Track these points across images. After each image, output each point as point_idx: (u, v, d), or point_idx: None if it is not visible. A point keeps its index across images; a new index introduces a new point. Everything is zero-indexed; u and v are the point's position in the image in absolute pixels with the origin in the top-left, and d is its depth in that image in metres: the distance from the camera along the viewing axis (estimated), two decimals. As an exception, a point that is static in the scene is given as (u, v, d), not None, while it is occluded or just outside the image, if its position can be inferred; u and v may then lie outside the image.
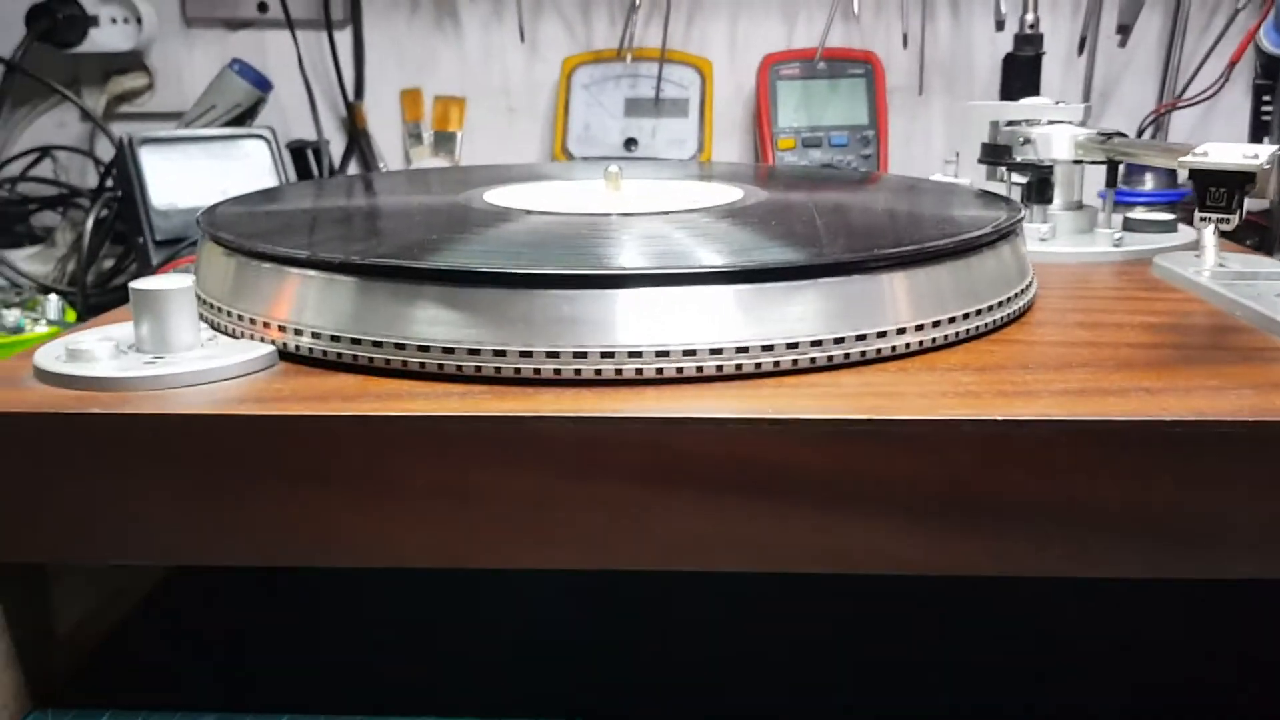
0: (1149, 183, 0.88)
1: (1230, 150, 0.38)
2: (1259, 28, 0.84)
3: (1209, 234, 0.53)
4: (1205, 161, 0.37)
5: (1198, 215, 0.38)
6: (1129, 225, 0.62)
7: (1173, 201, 0.87)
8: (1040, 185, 0.60)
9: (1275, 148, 0.39)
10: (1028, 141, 0.60)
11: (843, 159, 0.97)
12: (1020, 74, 0.86)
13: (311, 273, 0.40)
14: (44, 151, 1.07)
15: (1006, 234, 0.46)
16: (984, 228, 0.44)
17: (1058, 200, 0.62)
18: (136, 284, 0.39)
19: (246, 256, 0.42)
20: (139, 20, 1.03)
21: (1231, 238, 0.63)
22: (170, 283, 0.39)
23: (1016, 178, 0.61)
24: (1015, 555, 0.34)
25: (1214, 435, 0.33)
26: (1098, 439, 0.33)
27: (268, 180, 0.90)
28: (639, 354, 0.37)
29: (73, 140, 1.09)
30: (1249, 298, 0.46)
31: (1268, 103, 0.87)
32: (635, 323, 0.37)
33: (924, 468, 0.34)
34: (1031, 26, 0.86)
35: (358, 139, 1.09)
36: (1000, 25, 0.87)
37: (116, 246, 0.95)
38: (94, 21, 1.02)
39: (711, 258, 0.40)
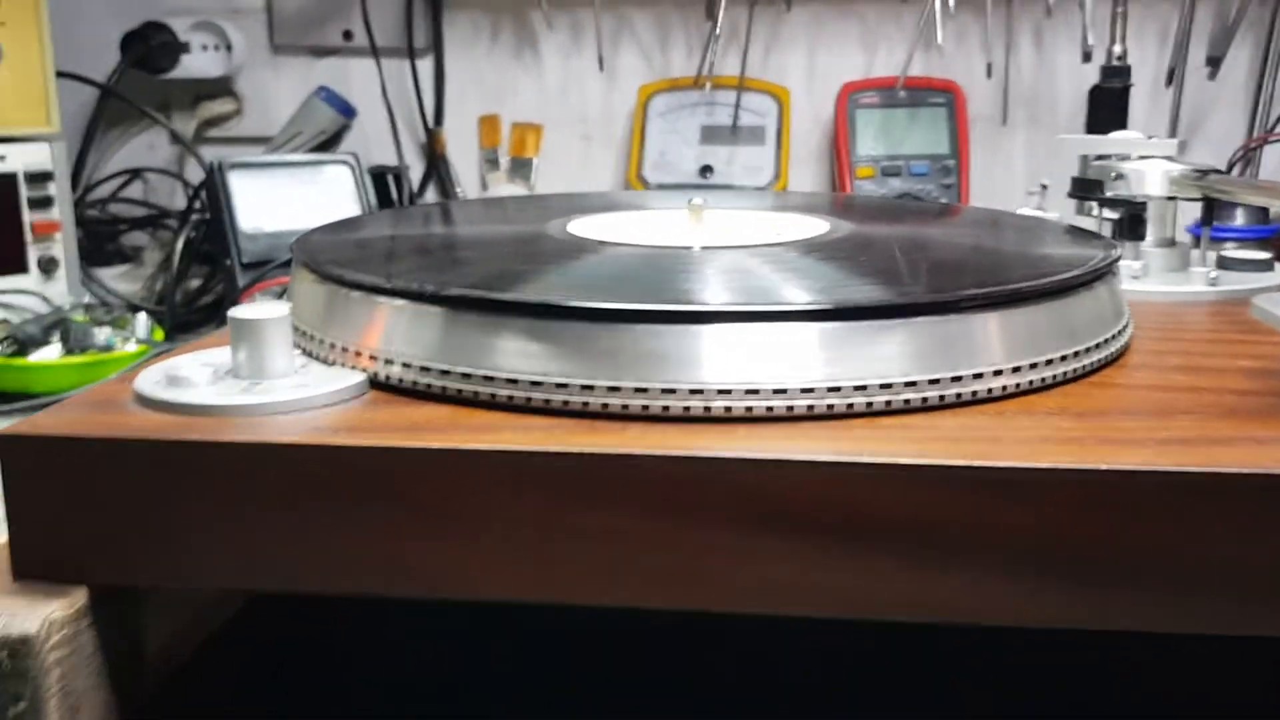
0: (1239, 218, 0.86)
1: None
2: (1357, 61, 0.82)
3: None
4: None
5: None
6: (1223, 263, 0.61)
7: (1264, 238, 0.85)
8: (1133, 222, 0.59)
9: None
10: (1120, 176, 0.59)
11: (923, 188, 0.96)
12: (1107, 106, 0.84)
13: (401, 302, 0.40)
14: (134, 173, 1.09)
15: (1103, 274, 0.45)
16: (1081, 266, 0.43)
17: (1150, 237, 0.60)
18: (235, 312, 0.40)
19: (338, 285, 0.42)
20: (229, 47, 1.05)
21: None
22: (267, 311, 0.40)
23: (1108, 213, 0.60)
24: (1117, 609, 0.33)
25: (1332, 489, 0.32)
26: (1207, 491, 0.32)
27: (351, 205, 0.91)
28: (728, 391, 0.36)
29: (162, 163, 1.11)
30: (1357, 343, 0.45)
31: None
32: (724, 359, 0.36)
33: (1025, 516, 0.33)
34: (1119, 58, 0.84)
35: (436, 164, 1.11)
36: (1087, 57, 0.86)
37: (203, 267, 0.97)
38: (185, 48, 1.04)
39: (801, 294, 0.40)
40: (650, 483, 0.34)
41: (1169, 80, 0.93)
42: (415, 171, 1.11)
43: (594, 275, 0.44)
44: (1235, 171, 0.93)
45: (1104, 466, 0.33)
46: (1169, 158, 0.61)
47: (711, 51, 0.96)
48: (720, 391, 0.36)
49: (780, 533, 0.34)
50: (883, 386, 0.37)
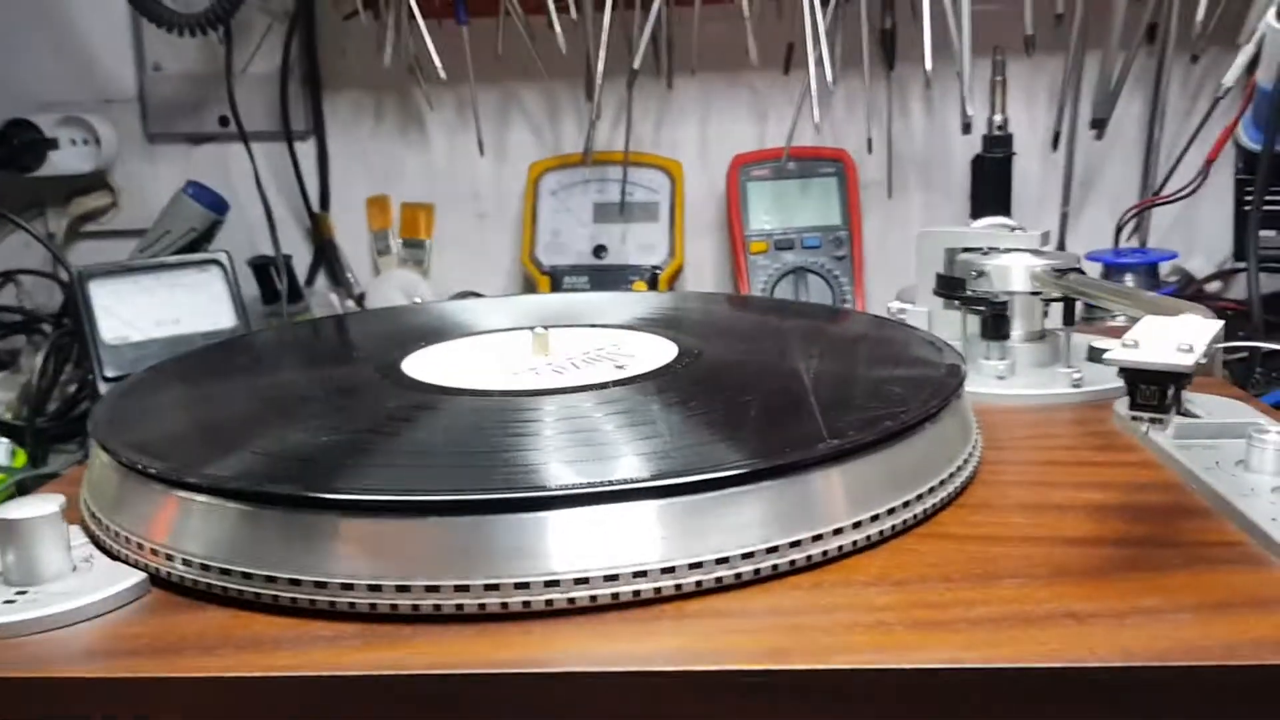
0: (1129, 280, 0.85)
1: (1164, 342, 0.35)
2: (1236, 124, 0.82)
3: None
4: (1132, 361, 0.34)
5: (1129, 413, 0.35)
6: (1092, 355, 0.60)
7: (1155, 304, 0.85)
8: (996, 321, 0.58)
9: (1212, 335, 0.36)
10: (981, 274, 0.58)
11: (816, 261, 0.94)
12: (989, 176, 0.83)
13: (181, 492, 0.38)
14: (7, 276, 1.06)
15: (944, 406, 0.43)
16: (917, 406, 0.42)
17: (1018, 331, 0.59)
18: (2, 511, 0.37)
19: (121, 466, 0.40)
20: (98, 141, 1.02)
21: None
22: (36, 508, 0.37)
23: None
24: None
25: (1141, 683, 0.30)
26: (1010, 688, 0.31)
27: (222, 306, 0.88)
28: (525, 585, 0.34)
29: (38, 263, 1.08)
30: (1206, 468, 0.43)
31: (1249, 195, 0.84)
32: (516, 551, 0.35)
33: (821, 717, 0.31)
34: (1000, 128, 0.84)
35: (324, 250, 1.08)
36: (967, 128, 0.85)
37: (80, 370, 0.93)
38: (53, 144, 1.01)
39: (600, 469, 0.38)
40: (428, 701, 0.32)
41: (1054, 144, 0.93)
42: (305, 259, 1.09)
43: (391, 451, 0.41)
44: (1127, 230, 0.92)
45: (905, 666, 0.31)
46: (1034, 251, 0.60)
47: (596, 127, 0.95)
48: (517, 586, 0.34)
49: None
50: (692, 566, 0.35)
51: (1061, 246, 0.96)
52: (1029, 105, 0.98)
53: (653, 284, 0.97)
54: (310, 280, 1.09)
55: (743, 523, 0.36)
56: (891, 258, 1.00)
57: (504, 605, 0.34)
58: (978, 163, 0.84)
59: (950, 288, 0.59)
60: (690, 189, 1.02)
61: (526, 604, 0.34)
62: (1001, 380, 0.57)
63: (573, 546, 0.35)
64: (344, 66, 1.06)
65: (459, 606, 0.34)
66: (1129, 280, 0.84)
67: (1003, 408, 0.55)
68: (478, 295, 1.00)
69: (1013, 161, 0.84)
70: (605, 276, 0.98)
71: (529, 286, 1.02)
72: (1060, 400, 0.55)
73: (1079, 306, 0.57)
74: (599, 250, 0.99)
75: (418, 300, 0.93)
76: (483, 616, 0.34)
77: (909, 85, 0.98)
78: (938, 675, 0.31)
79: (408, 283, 1.04)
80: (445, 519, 0.35)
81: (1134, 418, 0.35)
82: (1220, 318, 0.38)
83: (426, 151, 1.07)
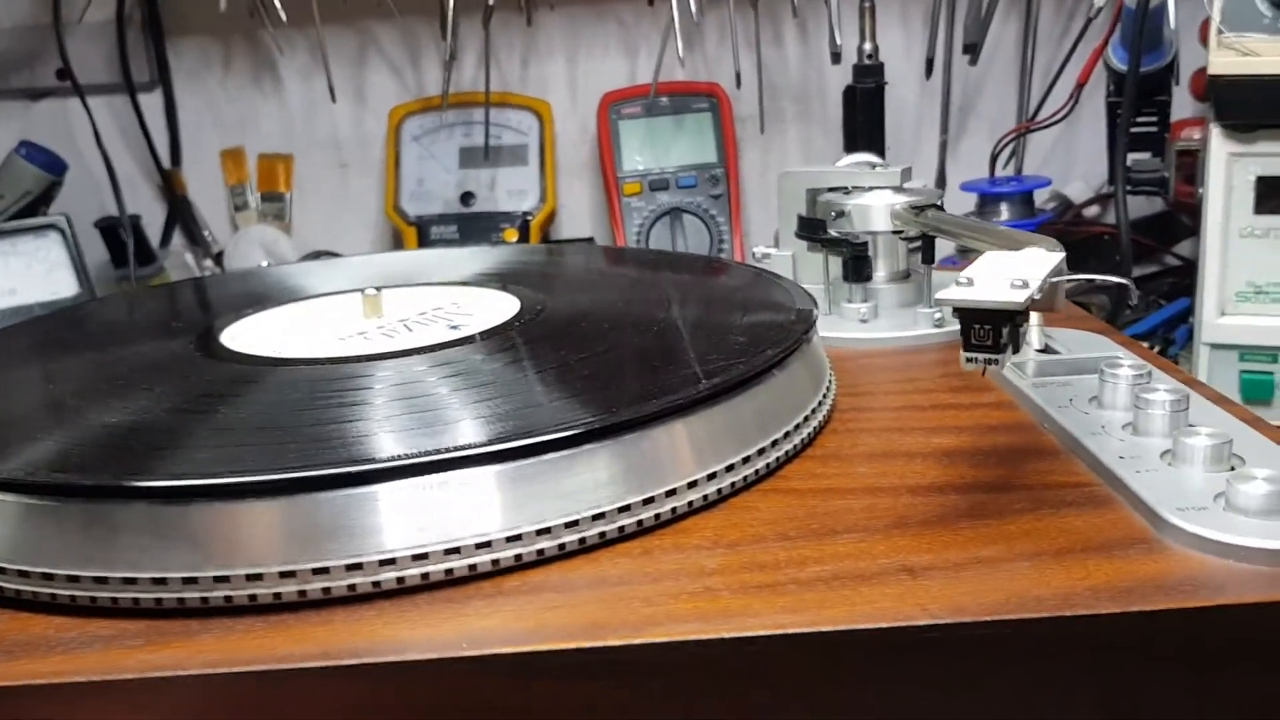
0: (1004, 213, 0.85)
1: (998, 279, 0.34)
2: (1105, 45, 0.81)
3: (1035, 324, 0.50)
4: (962, 300, 0.33)
5: (963, 355, 0.34)
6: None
7: (1029, 230, 0.84)
8: (857, 263, 0.56)
9: (1051, 268, 0.35)
10: (841, 214, 0.57)
11: (692, 201, 0.92)
12: (861, 106, 0.82)
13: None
14: None
15: (789, 352, 0.42)
16: (758, 355, 0.40)
17: (881, 272, 0.58)
18: None
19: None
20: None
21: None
22: None
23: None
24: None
25: (972, 639, 0.29)
26: (837, 653, 0.29)
27: (63, 275, 0.84)
28: (325, 571, 0.32)
29: None
30: (1059, 406, 0.43)
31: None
32: (322, 533, 0.32)
33: (643, 696, 0.29)
34: (870, 57, 0.82)
35: (178, 208, 1.03)
36: (836, 58, 0.83)
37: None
38: None
39: (408, 441, 0.35)
40: (205, 706, 0.29)
41: (928, 72, 0.92)
42: (157, 218, 1.04)
43: (189, 431, 0.38)
44: (1004, 155, 0.92)
45: (724, 635, 0.29)
46: (895, 187, 0.58)
47: (449, 71, 0.91)
48: (315, 572, 0.32)
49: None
50: (510, 539, 0.33)
51: (941, 175, 0.96)
52: (905, 32, 0.97)
53: (524, 231, 0.94)
54: (166, 240, 1.04)
55: (567, 490, 0.34)
56: (771, 195, 0.98)
57: (301, 594, 0.32)
58: (849, 94, 0.83)
59: (811, 230, 0.58)
60: (562, 129, 0.99)
61: (327, 590, 0.32)
62: (864, 324, 0.56)
63: (379, 526, 0.32)
64: (187, 10, 1.01)
65: (252, 597, 0.32)
66: (1004, 210, 0.84)
67: (865, 351, 0.54)
68: (333, 255, 0.96)
69: (885, 91, 0.82)
70: (474, 225, 0.95)
71: (396, 239, 0.98)
72: (923, 342, 0.54)
73: (951, 247, 0.56)
74: (466, 198, 0.96)
75: (266, 264, 0.89)
76: (278, 607, 0.32)
77: (780, 14, 0.96)
78: (755, 644, 0.29)
79: (268, 238, 0.99)
80: (223, 504, 0.32)
81: (968, 359, 0.34)
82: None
83: (281, 99, 1.02)
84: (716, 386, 0.38)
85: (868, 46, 0.82)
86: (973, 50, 0.89)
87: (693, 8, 0.82)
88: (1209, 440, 0.36)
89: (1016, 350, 0.35)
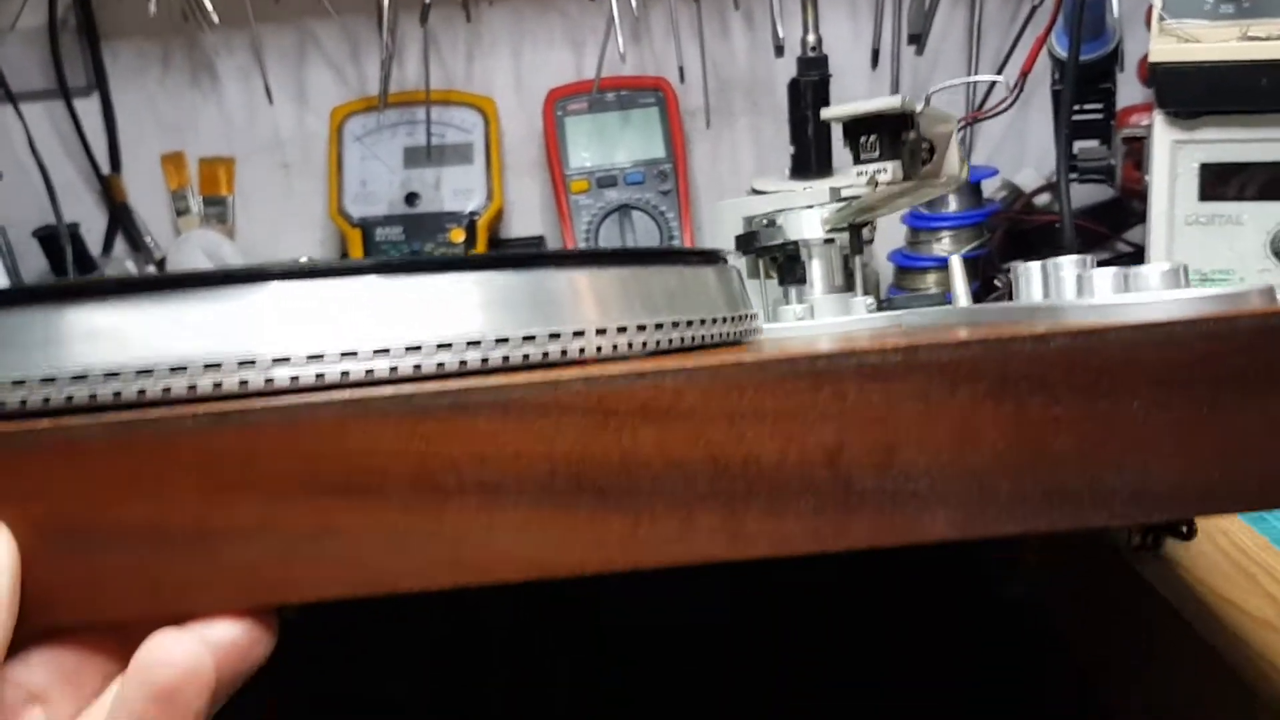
0: (953, 204, 0.85)
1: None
2: (1049, 33, 0.82)
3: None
4: (845, 112, 0.33)
5: (855, 169, 0.35)
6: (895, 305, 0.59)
7: (978, 222, 0.85)
8: (789, 263, 0.56)
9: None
10: (771, 224, 0.57)
11: (641, 197, 0.92)
12: (807, 100, 0.82)
13: None
14: None
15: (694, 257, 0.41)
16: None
17: (819, 286, 0.58)
18: None
19: None
20: None
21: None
22: None
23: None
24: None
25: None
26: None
27: (-5, 287, 0.83)
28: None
29: None
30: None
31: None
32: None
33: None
34: (814, 48, 0.82)
35: (119, 215, 1.02)
36: (779, 51, 0.83)
37: None
38: None
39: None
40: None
41: (874, 63, 0.92)
42: (99, 225, 1.03)
43: None
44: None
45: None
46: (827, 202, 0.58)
47: (387, 69, 0.90)
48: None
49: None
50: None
51: (891, 167, 0.96)
52: (854, 23, 0.97)
53: (471, 230, 0.94)
54: (108, 248, 1.03)
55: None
56: (723, 189, 0.98)
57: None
58: (794, 87, 0.83)
59: (747, 244, 0.58)
60: (508, 126, 0.99)
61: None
62: (801, 320, 0.56)
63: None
64: (123, 13, 1.00)
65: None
66: (951, 200, 0.84)
67: (798, 339, 0.54)
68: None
69: (829, 84, 0.83)
70: (420, 226, 0.95)
71: (342, 242, 0.98)
72: (858, 326, 0.55)
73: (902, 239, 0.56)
74: (411, 198, 0.96)
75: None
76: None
77: (725, 5, 0.96)
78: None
79: (210, 243, 0.99)
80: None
81: (859, 173, 0.34)
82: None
83: (221, 101, 1.02)
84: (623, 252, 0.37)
85: (811, 38, 0.82)
86: (918, 40, 0.89)
87: (633, 2, 0.82)
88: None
89: (907, 163, 0.35)
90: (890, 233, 0.86)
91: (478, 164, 0.96)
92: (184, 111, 1.02)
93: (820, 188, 0.58)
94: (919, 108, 0.33)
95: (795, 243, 0.57)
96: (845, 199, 0.56)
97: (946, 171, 0.37)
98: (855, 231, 0.56)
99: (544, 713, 0.49)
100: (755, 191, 0.85)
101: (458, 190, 0.96)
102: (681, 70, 0.91)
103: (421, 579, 0.25)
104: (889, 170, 0.33)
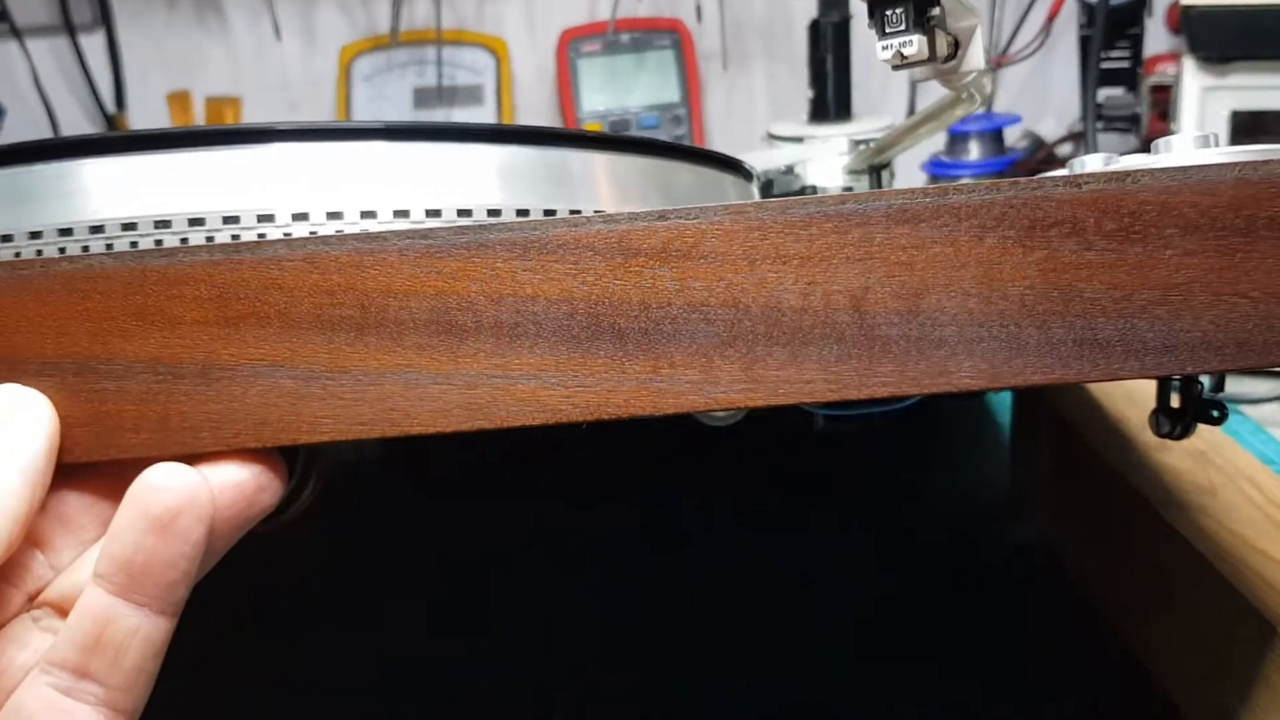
0: (974, 152, 0.85)
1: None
2: (1076, -26, 0.81)
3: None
4: None
5: (879, 45, 0.34)
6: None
7: (998, 171, 0.85)
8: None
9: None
10: (789, 171, 0.57)
11: (654, 142, 0.92)
12: (827, 41, 0.81)
13: None
14: None
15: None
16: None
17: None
18: None
19: None
20: None
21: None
22: None
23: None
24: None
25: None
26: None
27: None
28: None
29: None
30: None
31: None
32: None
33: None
34: (834, -12, 0.81)
35: (122, 153, 1.02)
36: (796, -11, 0.83)
37: None
38: None
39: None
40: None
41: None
42: (101, 163, 1.03)
43: None
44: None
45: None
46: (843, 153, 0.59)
47: (399, 6, 0.90)
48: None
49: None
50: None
51: (911, 111, 0.95)
52: (874, -34, 0.96)
53: (481, 174, 0.93)
54: (110, 188, 1.03)
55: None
56: (736, 135, 0.98)
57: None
58: (814, 29, 0.82)
59: (764, 193, 0.58)
60: (519, 68, 0.99)
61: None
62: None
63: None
64: (128, -54, 1.00)
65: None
66: (973, 148, 0.84)
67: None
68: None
69: (850, 25, 0.82)
70: (429, 168, 0.94)
71: (349, 183, 0.98)
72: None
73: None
74: (421, 140, 0.95)
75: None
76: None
77: (745, -54, 0.95)
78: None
79: (216, 185, 0.99)
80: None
81: (884, 48, 0.34)
82: None
83: (228, 39, 1.02)
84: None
85: (831, -23, 0.81)
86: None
87: (649, -63, 0.82)
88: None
89: (932, 41, 0.34)
90: (910, 182, 0.86)
91: (488, 106, 0.96)
92: (190, 49, 1.02)
93: (838, 133, 0.58)
94: None
95: (814, 187, 0.57)
96: (860, 139, 0.56)
97: (970, 64, 0.36)
98: (875, 175, 0.56)
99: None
100: (772, 136, 0.85)
101: (468, 132, 0.95)
102: (699, 9, 0.90)
103: (435, 422, 0.25)
104: (914, 44, 0.33)
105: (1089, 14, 0.82)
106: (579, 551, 0.53)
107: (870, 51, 0.36)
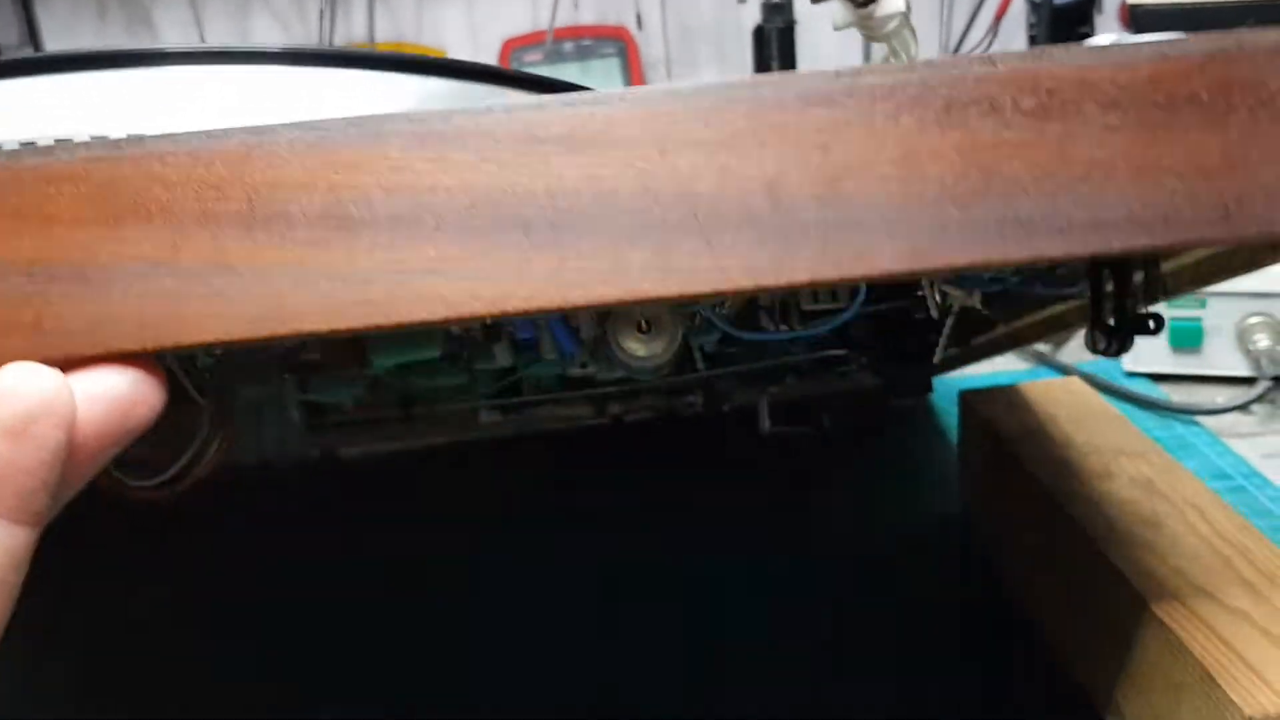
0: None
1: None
2: (1022, -29, 0.83)
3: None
4: None
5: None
6: None
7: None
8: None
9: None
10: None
11: (600, 150, 0.92)
12: (771, 47, 0.82)
13: None
14: None
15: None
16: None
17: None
18: None
19: None
20: None
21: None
22: None
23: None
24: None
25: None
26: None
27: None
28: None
29: None
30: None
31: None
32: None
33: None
34: (778, -7, 0.83)
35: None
36: (742, -5, 0.84)
37: None
38: None
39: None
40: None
41: None
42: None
43: None
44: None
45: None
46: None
47: (327, 19, 0.90)
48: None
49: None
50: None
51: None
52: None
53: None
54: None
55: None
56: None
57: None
58: (758, 34, 0.83)
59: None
60: (461, 81, 0.99)
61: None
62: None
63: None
64: (55, -39, 0.99)
65: None
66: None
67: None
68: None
69: (794, 31, 0.83)
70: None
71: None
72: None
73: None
74: (360, 152, 0.95)
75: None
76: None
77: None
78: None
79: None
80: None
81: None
82: None
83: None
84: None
85: (775, -19, 0.83)
86: (888, -16, 0.90)
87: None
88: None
89: None
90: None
91: (429, 117, 0.96)
92: (120, 64, 1.01)
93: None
94: None
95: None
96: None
97: (888, 7, 0.36)
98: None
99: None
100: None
101: (408, 144, 0.95)
102: (639, 17, 0.91)
103: (328, 319, 0.24)
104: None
105: (1037, 12, 0.83)
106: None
107: (816, 57, 0.36)
